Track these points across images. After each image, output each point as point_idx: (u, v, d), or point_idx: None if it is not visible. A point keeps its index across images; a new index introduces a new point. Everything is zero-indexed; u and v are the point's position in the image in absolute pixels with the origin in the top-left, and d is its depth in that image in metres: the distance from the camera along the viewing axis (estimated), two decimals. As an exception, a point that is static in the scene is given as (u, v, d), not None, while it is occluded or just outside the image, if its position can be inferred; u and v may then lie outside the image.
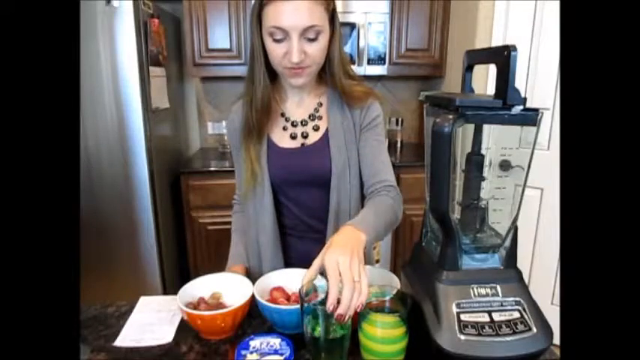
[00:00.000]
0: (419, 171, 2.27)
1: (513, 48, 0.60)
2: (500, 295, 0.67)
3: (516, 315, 0.65)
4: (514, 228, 0.70)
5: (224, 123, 2.59)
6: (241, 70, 2.28)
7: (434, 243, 0.77)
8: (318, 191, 0.98)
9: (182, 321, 0.82)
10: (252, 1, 0.88)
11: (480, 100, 0.65)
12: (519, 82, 0.74)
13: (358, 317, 0.66)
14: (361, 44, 2.33)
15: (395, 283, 0.83)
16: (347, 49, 2.32)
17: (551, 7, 1.86)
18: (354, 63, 2.34)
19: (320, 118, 1.00)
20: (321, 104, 1.00)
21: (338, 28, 0.91)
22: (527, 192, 0.72)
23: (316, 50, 0.86)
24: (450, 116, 0.61)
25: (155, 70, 1.98)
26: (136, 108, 1.84)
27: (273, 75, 0.95)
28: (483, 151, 0.71)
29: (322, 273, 0.69)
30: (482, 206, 0.74)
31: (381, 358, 0.66)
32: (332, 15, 0.89)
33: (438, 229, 0.74)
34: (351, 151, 0.97)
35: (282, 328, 0.77)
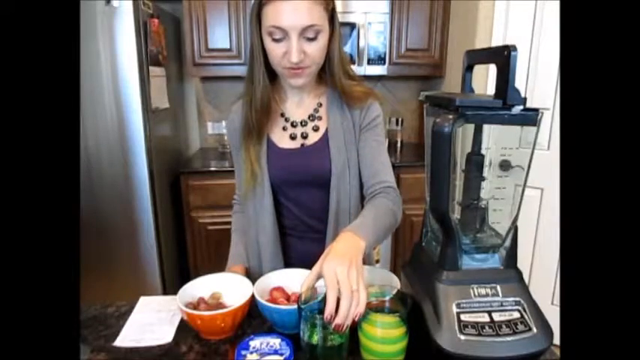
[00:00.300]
0: (419, 171, 2.27)
1: (513, 48, 0.60)
2: (501, 295, 0.67)
3: (516, 315, 0.65)
4: (514, 228, 0.70)
5: (224, 123, 2.59)
6: (241, 70, 2.28)
7: (434, 243, 0.77)
8: (318, 191, 0.98)
9: (182, 321, 0.82)
10: (252, 1, 0.88)
11: (480, 100, 0.65)
12: (519, 82, 0.74)
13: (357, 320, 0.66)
14: (361, 44, 2.33)
15: (395, 283, 0.83)
16: (347, 49, 2.32)
17: (551, 7, 1.86)
18: (354, 63, 2.34)
19: (320, 118, 1.00)
20: (320, 104, 1.00)
21: (337, 27, 0.91)
22: (527, 192, 0.72)
23: (316, 50, 0.86)
24: (450, 116, 0.61)
25: (155, 70, 1.98)
26: (136, 108, 1.84)
27: (272, 75, 0.95)
28: (483, 151, 0.71)
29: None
30: (483, 206, 0.74)
31: (381, 358, 0.66)
32: (331, 15, 0.89)
33: (438, 229, 0.74)
34: (351, 152, 0.97)
35: (282, 328, 0.77)
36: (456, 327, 0.63)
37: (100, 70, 1.78)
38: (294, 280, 0.84)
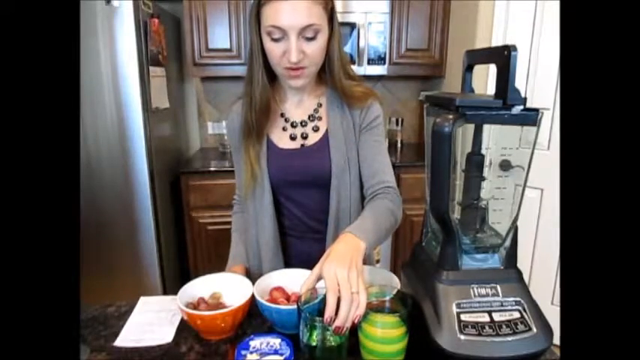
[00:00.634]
0: (419, 171, 2.27)
1: (513, 48, 0.60)
2: (501, 295, 0.67)
3: (516, 315, 0.65)
4: (514, 228, 0.70)
5: (224, 123, 2.59)
6: (241, 70, 2.28)
7: (434, 243, 0.77)
8: (318, 192, 0.98)
9: (182, 321, 0.82)
10: (252, 1, 0.88)
11: (480, 100, 0.65)
12: (519, 82, 0.74)
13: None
14: (361, 44, 2.33)
15: (395, 283, 0.83)
16: (347, 49, 2.32)
17: (551, 7, 1.86)
18: (354, 63, 2.34)
19: (319, 118, 1.00)
20: (320, 105, 1.00)
21: (337, 27, 0.91)
22: (527, 192, 0.72)
23: (315, 50, 0.86)
24: (450, 116, 0.61)
25: (155, 70, 1.98)
26: (136, 108, 1.84)
27: (272, 75, 0.94)
28: (483, 151, 0.71)
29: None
30: (483, 206, 0.74)
31: (381, 358, 0.66)
32: (331, 14, 0.88)
33: (438, 229, 0.74)
34: (351, 152, 0.97)
35: (282, 328, 0.77)
36: (456, 327, 0.63)
37: (100, 70, 1.78)
38: (294, 280, 0.84)
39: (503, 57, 0.62)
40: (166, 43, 2.15)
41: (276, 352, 0.66)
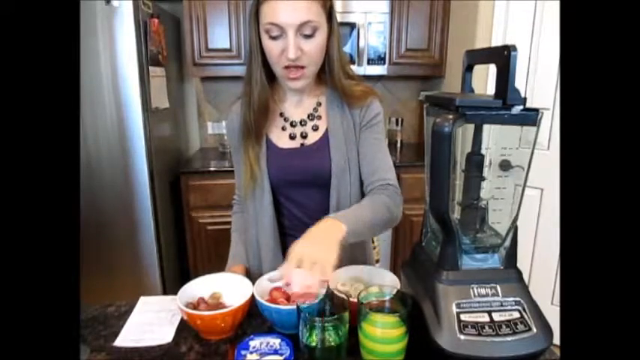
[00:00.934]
0: (419, 171, 2.27)
1: (513, 48, 0.60)
2: (500, 295, 0.67)
3: (516, 315, 0.65)
4: (514, 228, 0.70)
5: (224, 123, 2.59)
6: (241, 70, 2.26)
7: (434, 243, 0.77)
8: (318, 191, 0.98)
9: (182, 321, 0.82)
10: (251, 1, 0.88)
11: (480, 100, 0.65)
12: (519, 82, 0.74)
13: (358, 317, 0.66)
14: (361, 44, 2.33)
15: (395, 283, 0.83)
16: (347, 49, 2.32)
17: (551, 7, 1.86)
18: (354, 63, 2.34)
19: (319, 117, 0.99)
20: (320, 104, 1.00)
21: (336, 27, 0.91)
22: (527, 192, 0.72)
23: (313, 48, 0.86)
24: (450, 116, 0.61)
25: (155, 70, 1.98)
26: (136, 108, 1.83)
27: (271, 75, 0.94)
28: (483, 151, 0.71)
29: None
30: (483, 206, 0.74)
31: (381, 358, 0.66)
32: (329, 13, 0.88)
33: (437, 229, 0.74)
34: (351, 151, 0.97)
35: (282, 328, 0.77)
36: (456, 327, 0.63)
37: (99, 70, 1.78)
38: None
39: (503, 57, 0.62)
40: (166, 43, 2.15)
41: (276, 352, 0.66)
